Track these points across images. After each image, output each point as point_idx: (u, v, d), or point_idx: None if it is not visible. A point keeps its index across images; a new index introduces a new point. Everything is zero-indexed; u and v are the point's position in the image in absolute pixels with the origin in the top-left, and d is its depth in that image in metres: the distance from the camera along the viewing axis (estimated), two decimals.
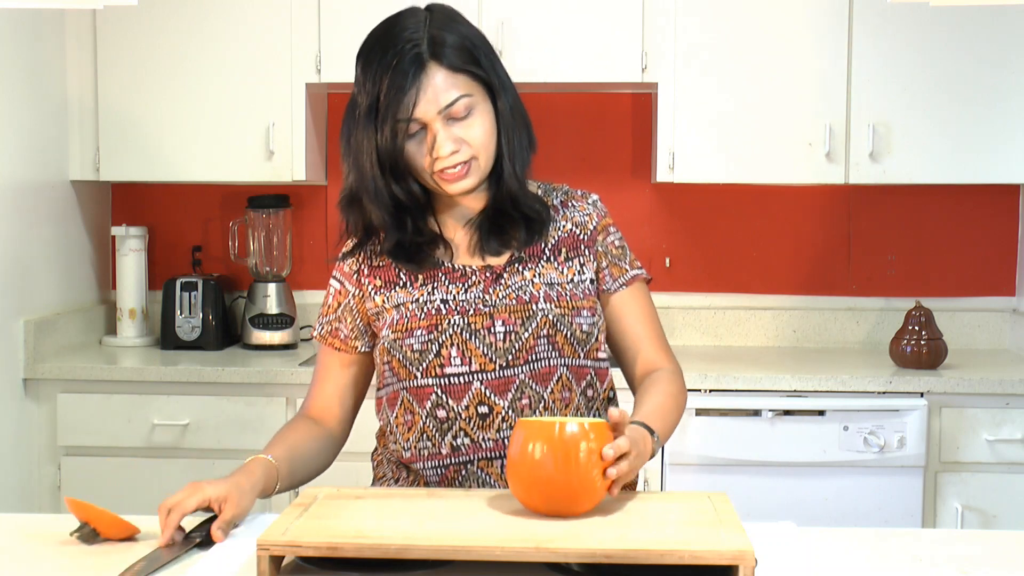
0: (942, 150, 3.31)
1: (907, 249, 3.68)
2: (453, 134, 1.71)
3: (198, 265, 3.66)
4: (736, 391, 3.10)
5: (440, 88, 1.69)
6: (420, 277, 1.80)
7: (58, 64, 3.40)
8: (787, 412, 3.07)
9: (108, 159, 3.43)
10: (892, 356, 3.27)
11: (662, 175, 3.37)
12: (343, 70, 3.36)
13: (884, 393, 3.08)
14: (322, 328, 1.88)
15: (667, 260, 3.70)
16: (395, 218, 1.77)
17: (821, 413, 3.06)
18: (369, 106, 1.71)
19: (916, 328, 3.22)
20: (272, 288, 3.58)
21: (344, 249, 1.88)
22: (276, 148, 3.39)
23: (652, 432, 1.67)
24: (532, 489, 1.50)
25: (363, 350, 1.86)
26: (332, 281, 1.89)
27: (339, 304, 1.86)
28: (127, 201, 3.77)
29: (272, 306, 3.57)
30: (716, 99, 3.34)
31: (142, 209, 3.76)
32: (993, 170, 3.32)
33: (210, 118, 3.40)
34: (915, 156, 3.31)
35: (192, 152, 3.42)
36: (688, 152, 3.35)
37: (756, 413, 3.07)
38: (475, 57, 1.73)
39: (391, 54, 1.69)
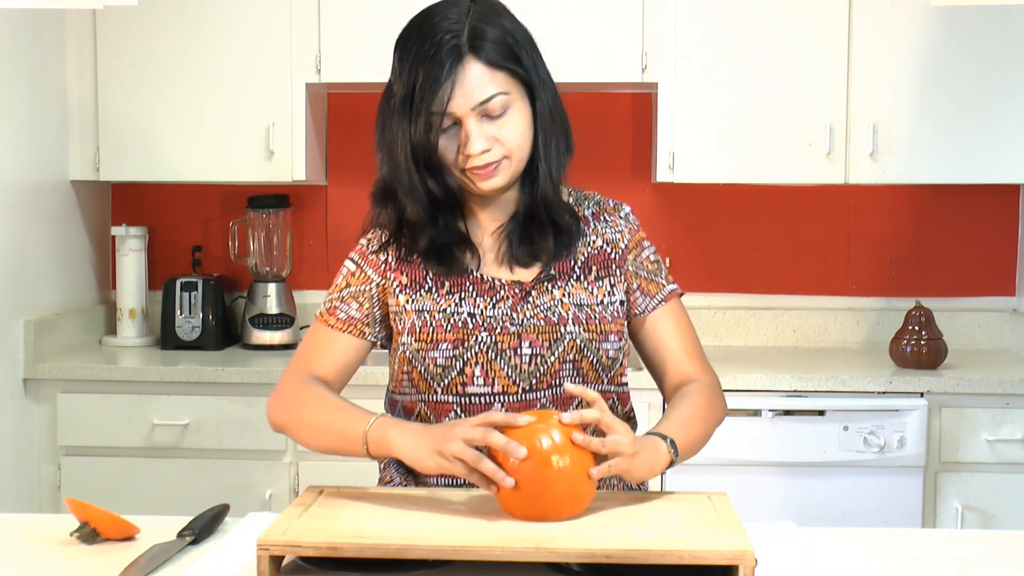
0: (942, 150, 3.31)
1: (907, 249, 3.68)
2: (486, 132, 1.66)
3: (198, 265, 3.66)
4: (736, 391, 3.10)
5: (476, 83, 1.64)
6: (447, 284, 1.74)
7: (58, 64, 3.40)
8: (787, 412, 3.07)
9: (108, 159, 3.43)
10: (892, 356, 3.27)
11: (662, 175, 3.37)
12: (343, 70, 3.36)
13: (884, 393, 3.08)
14: (324, 306, 1.81)
15: (667, 260, 3.70)
16: (430, 214, 1.71)
17: (821, 413, 3.06)
18: (404, 97, 1.65)
19: (916, 328, 3.22)
20: (272, 288, 3.58)
21: (371, 237, 1.80)
22: (276, 148, 3.39)
23: (666, 438, 1.63)
24: (511, 501, 1.49)
25: (371, 338, 1.80)
26: (347, 263, 1.81)
27: (348, 285, 1.80)
28: (127, 201, 3.77)
29: (272, 306, 3.57)
30: (716, 99, 3.34)
31: (142, 209, 3.76)
32: (993, 170, 3.32)
33: (210, 118, 3.40)
34: (915, 156, 3.31)
35: (192, 152, 3.42)
36: (688, 152, 3.35)
37: (756, 413, 3.07)
38: (516, 54, 1.68)
39: (429, 44, 1.64)
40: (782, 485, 3.07)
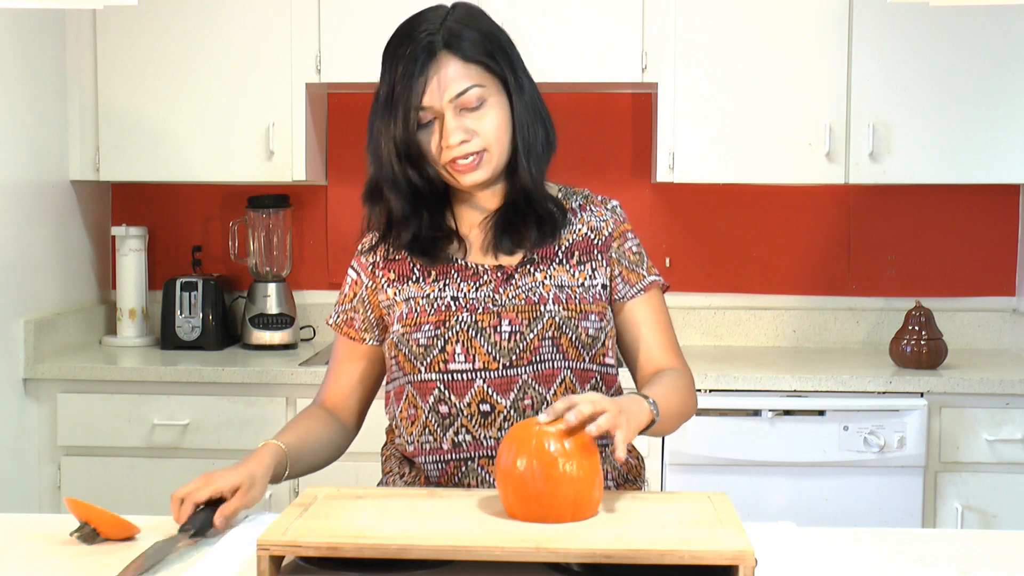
0: (942, 150, 3.31)
1: (907, 249, 3.68)
2: (464, 124, 1.73)
3: (198, 265, 3.66)
4: (736, 391, 3.10)
5: (451, 77, 1.72)
6: (432, 273, 1.80)
7: (58, 64, 3.40)
8: (787, 412, 3.07)
9: (108, 159, 3.43)
10: (892, 356, 3.27)
11: (662, 175, 3.37)
12: (343, 70, 3.36)
13: (884, 393, 3.08)
14: (338, 317, 1.90)
15: (667, 260, 3.70)
16: (413, 206, 1.79)
17: (821, 413, 3.06)
18: (386, 95, 1.74)
19: (916, 328, 3.22)
20: (272, 288, 3.58)
21: (364, 241, 1.88)
22: (276, 148, 3.39)
23: (647, 397, 1.65)
24: (514, 501, 1.50)
25: (371, 343, 1.87)
26: (349, 271, 1.90)
27: (355, 295, 1.87)
28: (127, 201, 3.77)
29: (272, 306, 3.57)
30: (716, 99, 3.34)
31: (142, 209, 3.76)
32: (993, 170, 3.32)
33: (210, 118, 3.40)
34: (915, 156, 3.31)
35: (192, 152, 3.42)
36: (688, 152, 3.35)
37: (756, 413, 3.07)
38: (491, 51, 1.76)
39: (407, 44, 1.74)
40: (782, 485, 3.07)
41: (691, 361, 3.27)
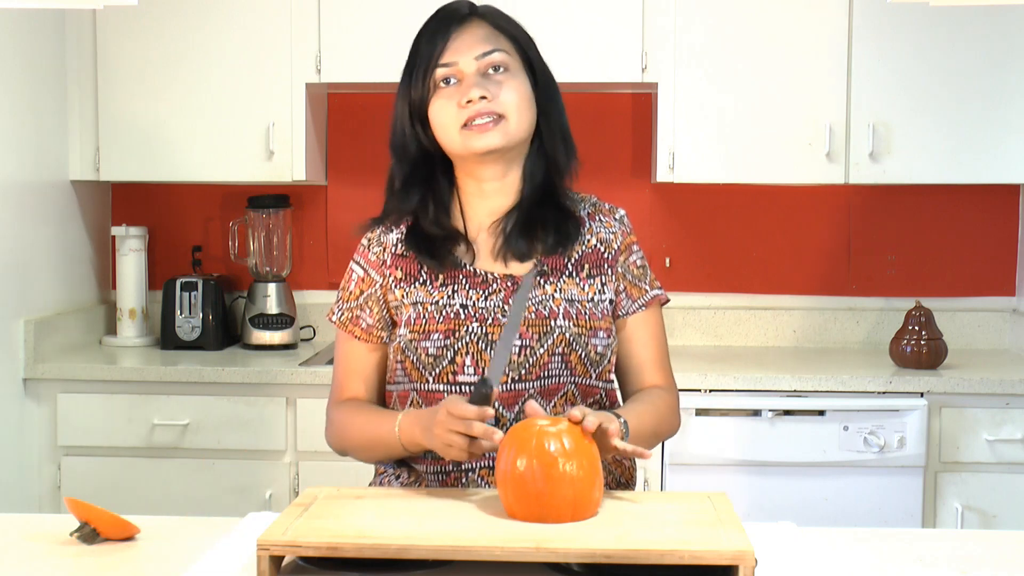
0: (942, 150, 3.31)
1: (907, 249, 3.68)
2: (484, 84, 1.74)
3: (198, 265, 3.66)
4: (736, 391, 3.10)
5: (480, 37, 1.76)
6: (440, 277, 1.78)
7: (58, 64, 3.40)
8: (787, 412, 3.07)
9: (108, 159, 3.43)
10: (892, 356, 3.27)
11: (662, 175, 3.37)
12: (343, 70, 3.36)
13: (884, 393, 3.08)
14: (342, 314, 1.85)
15: (667, 260, 3.70)
16: (424, 171, 1.79)
17: (821, 413, 3.06)
18: (409, 60, 1.78)
19: (916, 328, 3.22)
20: (272, 288, 3.58)
21: (368, 235, 1.86)
22: (276, 148, 3.39)
23: (620, 416, 1.67)
24: (514, 501, 1.50)
25: (387, 340, 1.84)
26: (354, 267, 1.86)
27: (361, 292, 1.84)
28: (127, 201, 3.77)
29: (272, 306, 3.57)
30: (716, 99, 3.34)
31: (142, 209, 3.76)
32: (993, 170, 3.32)
33: (210, 118, 3.40)
34: (915, 156, 3.31)
35: (192, 152, 3.42)
36: (688, 152, 3.35)
37: (756, 413, 3.07)
38: (521, 32, 1.82)
39: (435, 19, 1.79)
40: (782, 485, 3.07)
41: (691, 361, 3.29)
